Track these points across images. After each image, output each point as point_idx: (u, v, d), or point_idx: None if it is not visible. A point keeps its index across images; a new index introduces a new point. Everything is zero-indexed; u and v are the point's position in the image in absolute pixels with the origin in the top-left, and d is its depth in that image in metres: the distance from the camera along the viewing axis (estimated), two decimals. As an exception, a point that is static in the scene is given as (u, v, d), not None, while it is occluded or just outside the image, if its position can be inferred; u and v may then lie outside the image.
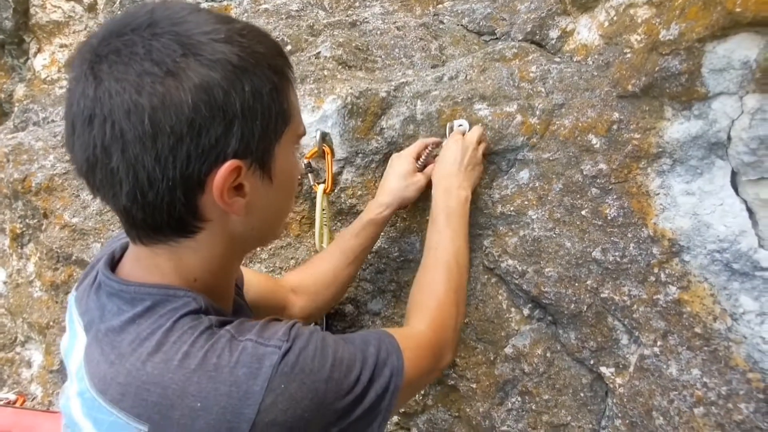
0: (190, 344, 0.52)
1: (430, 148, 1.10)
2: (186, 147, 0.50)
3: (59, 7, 1.86)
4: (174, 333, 0.54)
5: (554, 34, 1.27)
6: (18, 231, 1.46)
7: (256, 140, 0.54)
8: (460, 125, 1.14)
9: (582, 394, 1.07)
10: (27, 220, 1.44)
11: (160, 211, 0.53)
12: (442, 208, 0.98)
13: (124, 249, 0.66)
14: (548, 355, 1.10)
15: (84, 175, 0.54)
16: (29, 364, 1.55)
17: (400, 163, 1.09)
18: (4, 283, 1.55)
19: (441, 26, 1.48)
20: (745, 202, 0.87)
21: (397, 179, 1.07)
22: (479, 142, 1.08)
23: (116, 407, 0.53)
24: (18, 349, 1.58)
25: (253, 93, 0.53)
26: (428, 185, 1.08)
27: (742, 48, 0.76)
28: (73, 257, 1.37)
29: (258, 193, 0.58)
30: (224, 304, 0.66)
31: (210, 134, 0.50)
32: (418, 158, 1.10)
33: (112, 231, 1.33)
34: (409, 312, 0.89)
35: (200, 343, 0.53)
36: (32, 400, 1.51)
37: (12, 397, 1.50)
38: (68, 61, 0.56)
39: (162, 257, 0.58)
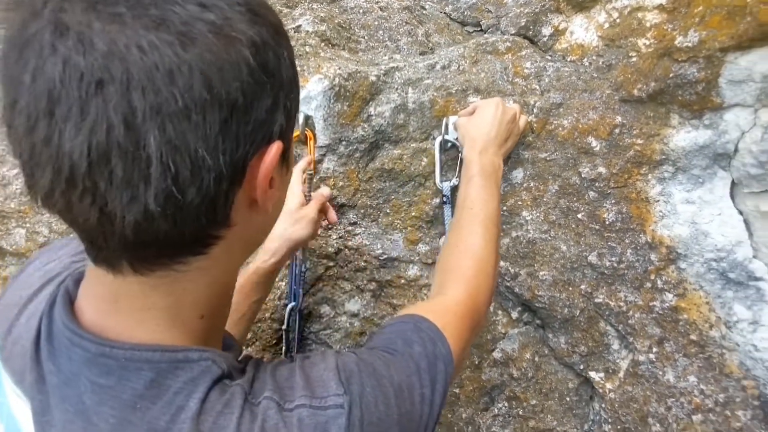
0: (234, 430, 0.40)
1: (307, 173, 0.97)
2: (236, 124, 0.37)
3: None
4: (206, 418, 0.40)
5: (546, 31, 1.24)
6: None
7: (291, 118, 0.44)
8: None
9: (568, 399, 1.06)
10: None
11: (195, 215, 0.38)
12: (478, 170, 0.90)
13: (78, 283, 0.47)
14: (536, 359, 1.08)
15: (73, 173, 0.34)
16: None
17: (288, 199, 0.92)
18: None
19: (424, 12, 1.41)
20: (742, 213, 0.89)
21: (283, 219, 0.90)
22: (519, 115, 1.03)
23: None
24: None
25: (291, 61, 0.43)
26: (320, 218, 0.95)
27: (765, 61, 0.76)
28: (-13, 244, 1.13)
29: (279, 186, 0.46)
30: (220, 338, 0.52)
31: (261, 107, 0.39)
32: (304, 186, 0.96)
33: (41, 215, 1.11)
34: (443, 275, 0.78)
35: (245, 425, 0.40)
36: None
37: None
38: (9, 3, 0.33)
39: (159, 292, 0.42)
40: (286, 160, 0.46)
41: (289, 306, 1.10)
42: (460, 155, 1.02)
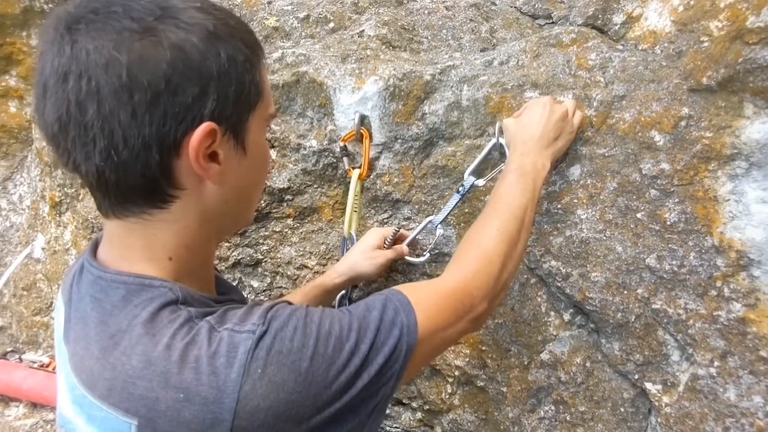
0: (171, 336, 0.51)
1: (393, 233, 1.09)
2: (163, 105, 0.49)
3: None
4: (154, 325, 0.52)
5: (618, 19, 1.16)
6: (57, 199, 1.48)
7: (230, 106, 0.54)
8: None
9: (622, 409, 0.99)
10: (65, 189, 1.46)
11: (133, 172, 0.52)
12: (515, 168, 0.90)
13: None
14: (588, 364, 1.03)
15: (54, 136, 0.52)
16: (63, 330, 1.58)
17: (369, 236, 1.10)
18: (43, 249, 1.58)
19: (493, 7, 1.39)
20: (833, 215, 0.77)
21: (359, 251, 1.07)
22: (574, 112, 0.99)
23: (105, 402, 0.52)
24: (53, 313, 1.62)
25: (228, 59, 0.53)
26: (389, 264, 1.09)
27: None
28: (108, 228, 1.38)
29: (232, 164, 0.57)
30: (206, 287, 0.64)
31: (186, 94, 0.50)
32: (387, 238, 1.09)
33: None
34: (449, 263, 0.81)
35: (181, 335, 0.51)
36: (64, 365, 1.54)
37: (45, 360, 1.54)
38: (41, 28, 0.59)
39: (135, 234, 0.57)
40: (240, 142, 0.57)
41: (339, 294, 1.18)
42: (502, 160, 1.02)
